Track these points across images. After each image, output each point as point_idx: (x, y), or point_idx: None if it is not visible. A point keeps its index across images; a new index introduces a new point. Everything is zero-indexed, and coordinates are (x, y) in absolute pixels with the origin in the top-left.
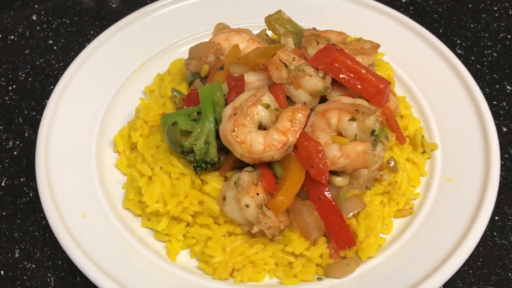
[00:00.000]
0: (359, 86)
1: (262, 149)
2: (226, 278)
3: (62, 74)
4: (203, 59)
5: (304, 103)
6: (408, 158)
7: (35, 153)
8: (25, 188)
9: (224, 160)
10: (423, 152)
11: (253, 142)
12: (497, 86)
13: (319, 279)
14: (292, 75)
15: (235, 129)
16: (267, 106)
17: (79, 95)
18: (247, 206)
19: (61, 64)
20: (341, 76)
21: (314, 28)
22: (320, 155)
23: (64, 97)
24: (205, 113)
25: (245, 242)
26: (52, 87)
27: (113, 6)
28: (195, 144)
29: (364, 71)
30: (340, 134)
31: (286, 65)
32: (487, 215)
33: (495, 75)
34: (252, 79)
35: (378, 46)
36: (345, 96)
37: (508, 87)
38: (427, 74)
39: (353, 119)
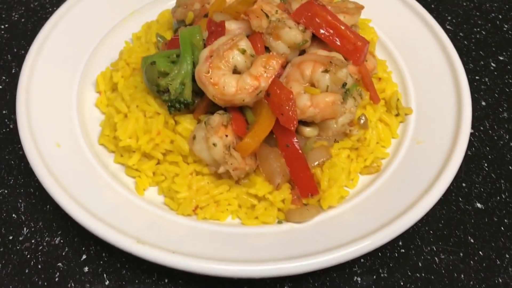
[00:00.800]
0: (338, 43)
1: (234, 92)
2: (190, 214)
3: None
4: (189, 7)
5: (282, 54)
6: (381, 119)
7: None
8: (6, 120)
9: (198, 103)
10: (397, 115)
11: (226, 84)
12: (482, 63)
13: (279, 222)
14: (272, 26)
15: (210, 71)
16: (243, 51)
17: (67, 37)
18: (214, 145)
19: (55, 8)
20: (321, 31)
21: None
22: (291, 103)
23: (51, 37)
24: (183, 55)
25: (211, 183)
26: None
27: None
28: (170, 84)
29: (343, 28)
30: (313, 85)
31: (267, 16)
32: (450, 175)
33: (481, 52)
34: (233, 26)
35: (361, 7)
36: (321, 50)
37: (493, 64)
38: (411, 44)
39: (326, 70)
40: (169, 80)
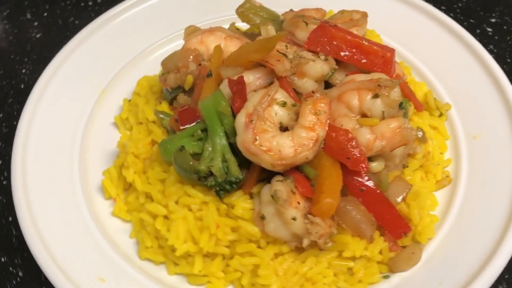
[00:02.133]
0: (364, 60)
1: (293, 152)
2: None
3: None
4: (182, 70)
5: (313, 92)
6: (430, 125)
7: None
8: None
9: (246, 175)
10: (440, 115)
11: (280, 147)
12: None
13: (385, 277)
14: (294, 65)
15: (257, 138)
16: (284, 104)
17: (41, 149)
18: (294, 219)
19: None
20: (343, 53)
21: (291, 9)
22: (353, 143)
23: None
24: (213, 128)
25: (296, 260)
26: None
27: (37, 36)
28: (212, 166)
29: (366, 43)
30: (364, 115)
31: (285, 55)
32: None
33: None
34: (251, 78)
35: (366, 14)
36: (357, 74)
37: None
38: (417, 39)
39: (376, 95)
40: (208, 162)
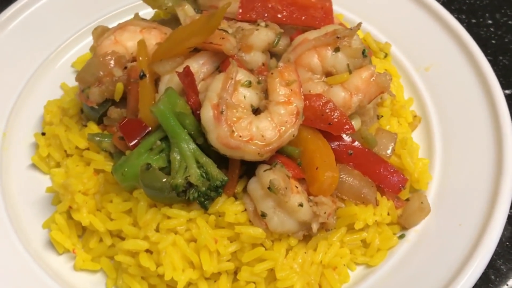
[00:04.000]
0: (304, 17)
1: (277, 133)
2: None
3: None
4: (105, 79)
5: (263, 64)
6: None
7: None
8: None
9: (228, 176)
10: (386, 56)
11: (262, 131)
12: None
13: (401, 237)
14: (239, 39)
15: (234, 129)
16: (249, 84)
17: None
18: (301, 205)
19: None
20: (280, 15)
21: None
22: (331, 106)
23: None
24: (175, 133)
25: (307, 249)
26: None
27: None
28: (189, 175)
29: None
30: (329, 74)
31: (226, 32)
32: None
33: None
34: (195, 67)
35: None
36: (308, 32)
37: None
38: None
39: (337, 49)
40: (183, 173)
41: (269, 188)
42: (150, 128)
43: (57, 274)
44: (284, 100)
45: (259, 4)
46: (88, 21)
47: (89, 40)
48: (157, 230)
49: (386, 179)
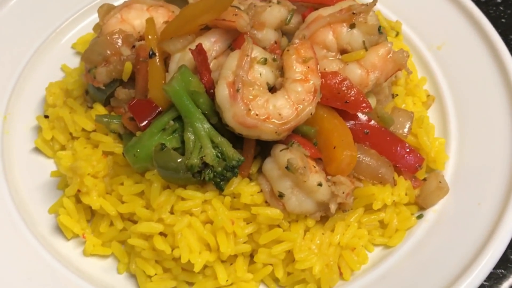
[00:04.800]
0: None
1: (294, 111)
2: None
3: None
4: (113, 59)
5: (275, 43)
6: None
7: None
8: None
9: (243, 153)
10: (397, 35)
11: (279, 109)
12: None
13: (419, 217)
14: (251, 15)
15: (250, 107)
16: (265, 61)
17: None
18: (320, 185)
19: None
20: None
21: None
22: (347, 83)
23: None
24: (189, 112)
25: (325, 231)
26: None
27: None
28: (205, 156)
29: None
30: (344, 51)
31: (239, 8)
32: None
33: None
34: (207, 45)
35: None
36: (323, 9)
37: None
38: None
39: (353, 25)
40: (198, 153)
41: (287, 167)
42: (160, 108)
43: (67, 260)
44: (301, 77)
45: None
46: (88, 0)
47: (89, 21)
48: (171, 212)
49: (403, 158)
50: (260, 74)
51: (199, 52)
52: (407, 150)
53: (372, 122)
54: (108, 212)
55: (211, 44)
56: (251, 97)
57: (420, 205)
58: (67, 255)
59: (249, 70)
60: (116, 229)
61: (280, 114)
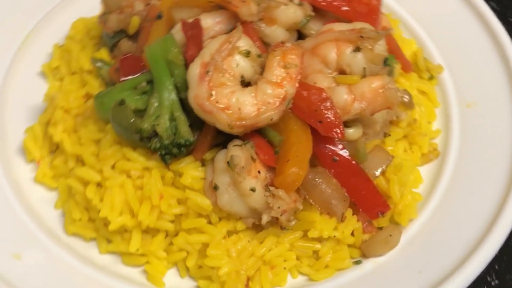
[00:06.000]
0: (346, 8)
1: (255, 111)
2: None
3: None
4: (126, 10)
5: (282, 43)
6: (417, 88)
7: None
8: None
9: (198, 138)
10: (431, 78)
11: (241, 104)
12: None
13: (357, 262)
14: (262, 8)
15: (213, 93)
16: (247, 54)
17: None
18: (252, 190)
19: None
20: None
21: None
22: (328, 104)
23: None
24: (160, 79)
25: (252, 239)
26: None
27: None
28: (158, 125)
29: None
30: (342, 72)
31: None
32: None
33: None
34: (209, 22)
35: None
36: (337, 23)
37: None
38: None
39: (358, 48)
40: (153, 120)
41: (228, 163)
42: (145, 71)
43: (16, 180)
44: (276, 81)
45: None
46: None
47: None
48: (113, 167)
49: (364, 199)
50: (237, 65)
51: (194, 26)
52: (373, 192)
53: (345, 151)
54: (65, 148)
55: (213, 23)
56: (218, 83)
57: (363, 252)
58: (19, 176)
59: (226, 57)
60: (68, 167)
61: (239, 109)
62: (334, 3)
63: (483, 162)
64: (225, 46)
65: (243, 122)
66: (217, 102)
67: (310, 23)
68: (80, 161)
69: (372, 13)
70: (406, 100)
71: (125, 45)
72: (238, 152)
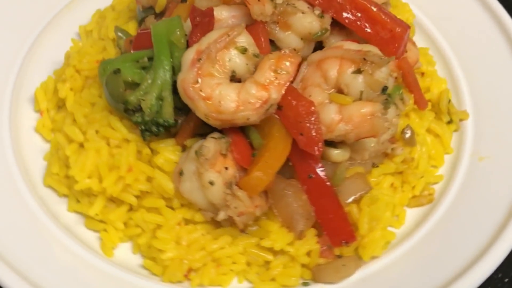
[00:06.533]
0: (368, 30)
1: (234, 108)
2: (180, 280)
3: None
4: None
5: (294, 50)
6: (430, 129)
7: None
8: None
9: (182, 123)
10: (449, 122)
11: (222, 98)
12: None
13: (305, 284)
14: (278, 12)
15: (199, 80)
16: (244, 51)
17: None
18: (211, 183)
19: None
20: (345, 15)
21: None
22: (313, 119)
23: None
24: (159, 58)
25: (208, 234)
26: None
27: None
28: (143, 100)
29: (375, 9)
30: (340, 91)
31: None
32: None
33: None
34: (224, 15)
35: None
36: (348, 42)
37: None
38: (458, 22)
39: (358, 71)
40: (141, 95)
41: (196, 152)
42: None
43: (19, 126)
44: (263, 83)
45: None
46: None
47: None
48: (97, 132)
49: (330, 224)
50: (229, 59)
51: (205, 15)
52: (340, 219)
53: (322, 171)
54: (66, 105)
55: (228, 16)
56: (206, 72)
57: (313, 274)
58: (23, 121)
59: (221, 50)
60: (65, 122)
61: (220, 102)
62: (357, 22)
63: (472, 223)
64: (222, 38)
65: (220, 116)
66: (200, 90)
67: (332, 37)
68: (75, 120)
69: (394, 41)
70: (406, 136)
71: (150, 21)
72: (210, 144)
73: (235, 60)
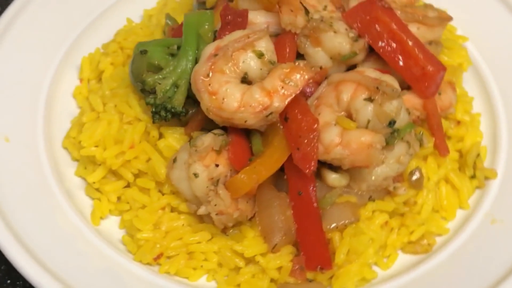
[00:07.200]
0: (401, 63)
1: (235, 108)
2: (150, 263)
3: None
4: None
5: (320, 68)
6: (447, 179)
7: None
8: None
9: (192, 114)
10: (473, 177)
11: (227, 95)
12: None
13: None
14: (311, 26)
15: (210, 74)
16: (260, 55)
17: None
18: (195, 175)
19: None
20: (380, 43)
21: None
22: (312, 136)
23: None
24: (185, 48)
25: (188, 226)
26: None
27: None
28: (159, 84)
29: (411, 43)
30: (350, 116)
31: (307, 11)
32: None
33: None
34: (259, 19)
35: (448, 18)
36: (371, 69)
37: None
38: None
39: (370, 99)
40: (159, 78)
41: (190, 142)
42: None
43: (58, 90)
44: (269, 89)
45: (368, 19)
46: None
47: None
48: (115, 105)
49: (308, 246)
50: (244, 61)
51: (239, 15)
52: (319, 244)
53: (313, 191)
54: (102, 77)
55: (263, 21)
56: (219, 68)
57: None
58: (64, 86)
59: (238, 50)
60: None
61: (223, 99)
62: (391, 53)
63: (461, 280)
64: (243, 38)
65: (220, 112)
66: (209, 84)
67: (365, 63)
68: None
69: (425, 79)
70: (414, 178)
71: None
72: (207, 138)
73: (249, 62)
